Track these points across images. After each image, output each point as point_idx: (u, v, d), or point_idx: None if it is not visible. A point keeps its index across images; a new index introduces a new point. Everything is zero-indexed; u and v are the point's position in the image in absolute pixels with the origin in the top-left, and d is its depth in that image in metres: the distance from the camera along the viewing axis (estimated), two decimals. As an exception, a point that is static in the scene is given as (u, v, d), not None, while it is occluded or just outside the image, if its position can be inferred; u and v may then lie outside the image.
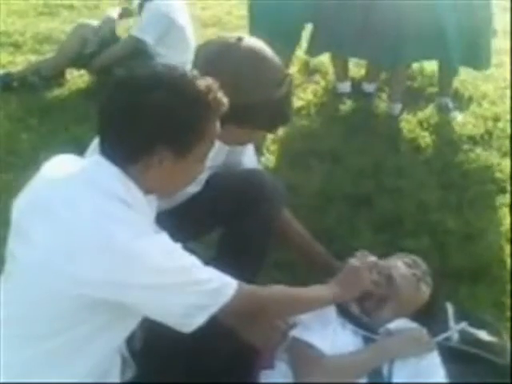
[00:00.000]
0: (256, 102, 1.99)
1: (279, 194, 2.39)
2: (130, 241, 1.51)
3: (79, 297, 1.53)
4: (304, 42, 4.71)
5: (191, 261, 1.65)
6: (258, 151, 3.33)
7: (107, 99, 1.65)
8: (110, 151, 1.62)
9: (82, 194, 1.56)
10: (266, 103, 2.01)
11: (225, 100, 1.69)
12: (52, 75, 4.67)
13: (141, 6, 4.64)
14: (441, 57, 4.43)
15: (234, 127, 2.00)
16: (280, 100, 2.05)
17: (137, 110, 1.58)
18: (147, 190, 1.68)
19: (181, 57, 4.16)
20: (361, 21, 4.24)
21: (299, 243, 2.54)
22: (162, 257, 1.56)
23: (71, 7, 6.52)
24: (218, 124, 1.70)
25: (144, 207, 1.68)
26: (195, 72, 1.68)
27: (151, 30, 4.48)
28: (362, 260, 2.20)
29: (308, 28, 4.59)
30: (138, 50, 4.48)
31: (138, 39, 4.50)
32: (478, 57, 4.36)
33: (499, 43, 5.26)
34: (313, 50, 4.68)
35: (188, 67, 1.99)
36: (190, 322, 1.63)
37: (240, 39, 2.07)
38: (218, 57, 2.04)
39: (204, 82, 1.64)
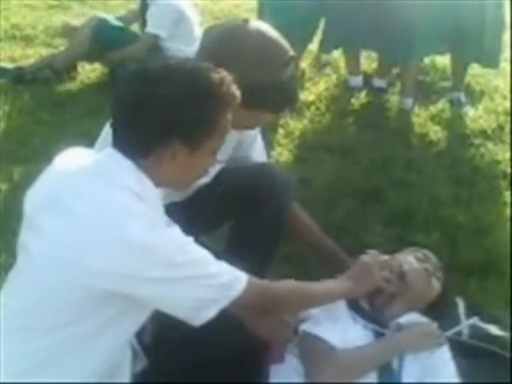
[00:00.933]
0: (263, 82, 1.98)
1: (290, 188, 2.38)
2: (142, 233, 1.52)
3: (89, 288, 1.54)
4: (316, 37, 4.71)
5: (202, 254, 1.65)
6: (269, 145, 3.34)
7: (120, 92, 1.66)
8: (123, 144, 1.63)
9: (94, 187, 1.57)
10: (273, 83, 2.00)
11: (238, 92, 1.68)
12: (63, 69, 4.68)
13: (144, 6, 4.65)
14: (452, 51, 4.42)
15: (239, 109, 1.99)
16: (287, 81, 2.03)
17: (149, 103, 1.58)
18: (158, 184, 1.68)
19: (188, 49, 4.17)
20: (372, 16, 4.24)
21: (309, 237, 2.54)
22: (173, 250, 1.56)
23: (83, 0, 6.52)
24: (230, 116, 1.69)
25: (156, 200, 1.68)
26: (208, 64, 1.67)
27: (163, 23, 4.50)
28: (374, 258, 2.20)
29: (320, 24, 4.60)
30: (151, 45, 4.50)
31: (154, 35, 4.51)
32: (488, 54, 4.35)
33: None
34: (325, 47, 4.68)
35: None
36: (199, 315, 1.63)
37: (246, 21, 2.06)
38: (225, 38, 2.04)
39: (217, 75, 1.63)
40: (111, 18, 4.81)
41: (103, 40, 4.60)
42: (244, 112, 2.00)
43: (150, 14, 4.55)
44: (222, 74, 1.65)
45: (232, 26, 2.09)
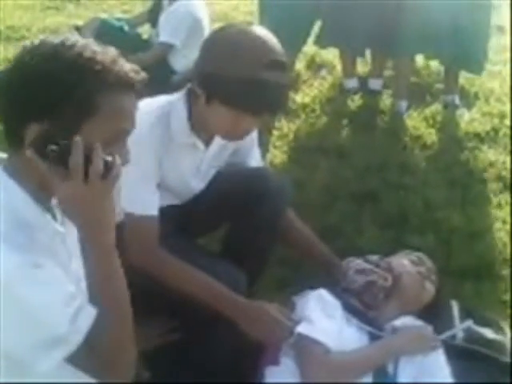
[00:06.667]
0: (240, 78, 1.96)
1: (284, 193, 2.38)
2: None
3: None
4: (312, 37, 4.72)
5: None
6: (264, 147, 3.34)
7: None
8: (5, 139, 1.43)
9: None
10: (251, 82, 1.96)
11: (134, 75, 1.45)
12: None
13: (154, 11, 4.62)
14: (441, 54, 4.44)
15: (219, 105, 2.01)
16: (268, 83, 1.98)
17: (20, 81, 1.38)
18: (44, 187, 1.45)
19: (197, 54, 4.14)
20: (369, 17, 4.27)
21: (302, 243, 2.53)
22: None
23: (77, 1, 6.52)
24: (126, 102, 1.44)
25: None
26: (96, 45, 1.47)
27: (179, 33, 4.35)
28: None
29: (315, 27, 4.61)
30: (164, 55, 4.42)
31: (170, 44, 4.37)
32: (472, 60, 4.36)
33: (506, 40, 5.27)
34: (321, 41, 4.69)
35: None
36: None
37: (250, 24, 2.08)
38: (219, 30, 2.09)
39: (103, 54, 1.43)
40: (112, 19, 4.77)
41: (105, 41, 4.53)
42: (223, 110, 2.02)
43: (165, 22, 4.42)
44: (111, 54, 1.45)
45: (229, 24, 2.13)
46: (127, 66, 1.44)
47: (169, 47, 4.39)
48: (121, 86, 1.42)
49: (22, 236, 1.37)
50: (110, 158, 1.39)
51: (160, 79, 3.87)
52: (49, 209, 1.49)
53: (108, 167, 1.38)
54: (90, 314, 1.40)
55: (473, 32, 4.23)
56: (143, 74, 1.47)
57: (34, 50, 1.40)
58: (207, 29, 4.40)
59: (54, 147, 1.34)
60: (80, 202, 1.39)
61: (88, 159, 1.36)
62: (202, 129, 2.18)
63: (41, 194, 1.45)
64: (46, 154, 1.34)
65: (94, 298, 1.42)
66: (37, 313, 1.35)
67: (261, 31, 2.06)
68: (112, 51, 1.46)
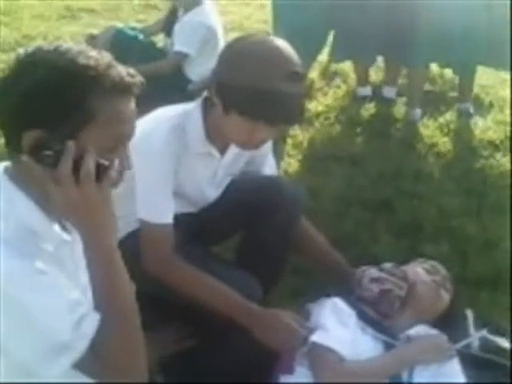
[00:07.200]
0: (258, 88, 1.96)
1: (298, 201, 2.38)
2: None
3: None
4: (327, 47, 4.73)
5: None
6: (278, 155, 3.34)
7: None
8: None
9: None
10: (268, 92, 1.96)
11: (130, 79, 1.41)
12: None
13: (169, 20, 4.64)
14: (450, 59, 4.42)
15: (236, 114, 2.01)
16: (286, 94, 1.98)
17: (16, 89, 1.37)
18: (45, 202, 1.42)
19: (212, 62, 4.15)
20: (382, 27, 4.26)
21: (316, 252, 2.53)
22: None
23: (92, 11, 6.56)
24: (124, 106, 1.41)
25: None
26: (86, 48, 1.42)
27: (193, 42, 4.36)
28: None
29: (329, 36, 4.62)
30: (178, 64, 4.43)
31: (184, 53, 4.38)
32: (499, 56, 4.32)
33: None
34: (335, 57, 4.70)
35: None
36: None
37: (268, 34, 2.08)
38: (234, 43, 2.09)
39: (97, 61, 1.38)
40: (127, 28, 4.79)
41: (120, 50, 4.56)
42: (240, 120, 2.02)
43: (180, 31, 4.44)
44: (106, 59, 1.40)
45: (247, 34, 2.14)
46: (123, 70, 1.41)
47: (184, 56, 4.40)
48: (117, 91, 1.39)
49: (27, 243, 1.37)
50: (105, 162, 1.38)
51: (175, 88, 3.92)
52: (56, 217, 1.48)
53: (101, 170, 1.37)
54: (94, 319, 1.39)
55: (493, 28, 4.18)
56: (139, 78, 1.43)
57: (29, 57, 1.39)
58: (221, 38, 4.42)
59: (48, 152, 1.34)
60: (75, 207, 1.38)
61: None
62: (217, 137, 2.18)
63: (46, 201, 1.43)
64: (42, 159, 1.35)
65: (98, 304, 1.42)
66: (40, 319, 1.35)
67: (279, 42, 2.06)
68: (107, 56, 1.42)
